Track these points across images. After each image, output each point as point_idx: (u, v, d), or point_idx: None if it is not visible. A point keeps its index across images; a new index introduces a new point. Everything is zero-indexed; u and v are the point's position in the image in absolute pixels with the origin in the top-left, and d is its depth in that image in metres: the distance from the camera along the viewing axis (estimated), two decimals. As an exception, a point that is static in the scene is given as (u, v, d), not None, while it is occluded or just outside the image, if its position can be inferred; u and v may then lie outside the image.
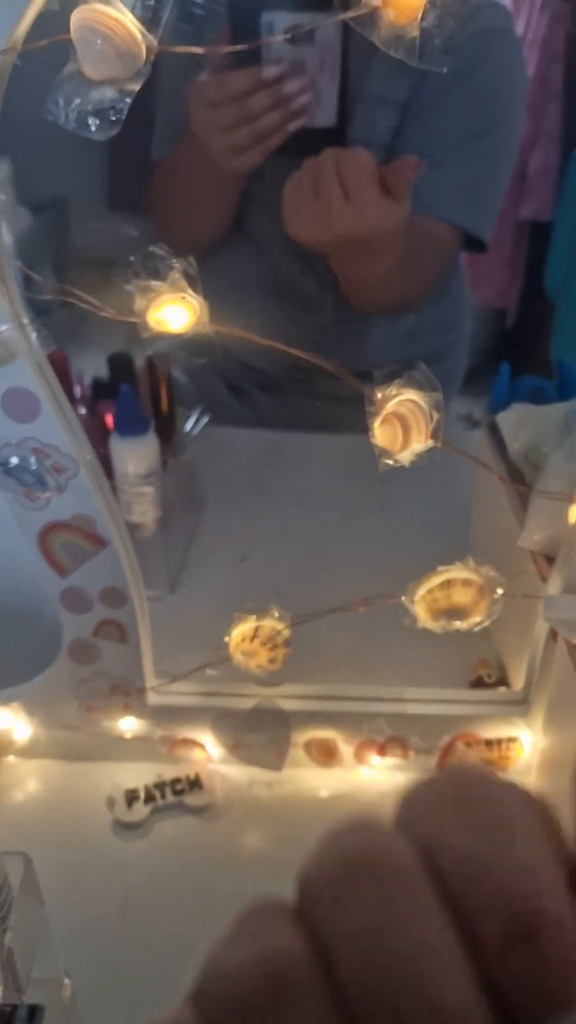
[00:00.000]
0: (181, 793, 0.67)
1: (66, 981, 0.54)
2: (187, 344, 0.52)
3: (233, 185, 0.99)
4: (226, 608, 0.81)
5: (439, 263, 1.04)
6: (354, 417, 1.04)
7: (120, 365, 0.85)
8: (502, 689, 0.72)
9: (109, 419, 0.81)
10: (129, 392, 0.76)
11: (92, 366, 0.88)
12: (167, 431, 0.84)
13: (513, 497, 0.73)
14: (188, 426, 0.85)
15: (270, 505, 0.96)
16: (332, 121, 0.88)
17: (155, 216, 1.08)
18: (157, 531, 0.81)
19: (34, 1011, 0.45)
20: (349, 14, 0.43)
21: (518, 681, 0.69)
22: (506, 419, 0.76)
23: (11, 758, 0.70)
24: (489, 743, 0.67)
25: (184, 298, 0.51)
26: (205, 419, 0.85)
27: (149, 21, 0.44)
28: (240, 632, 0.63)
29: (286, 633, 0.63)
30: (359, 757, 0.68)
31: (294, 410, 1.11)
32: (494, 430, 0.80)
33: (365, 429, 1.04)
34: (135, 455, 0.77)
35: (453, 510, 0.91)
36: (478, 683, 0.75)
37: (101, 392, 0.85)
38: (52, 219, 1.46)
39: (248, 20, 0.81)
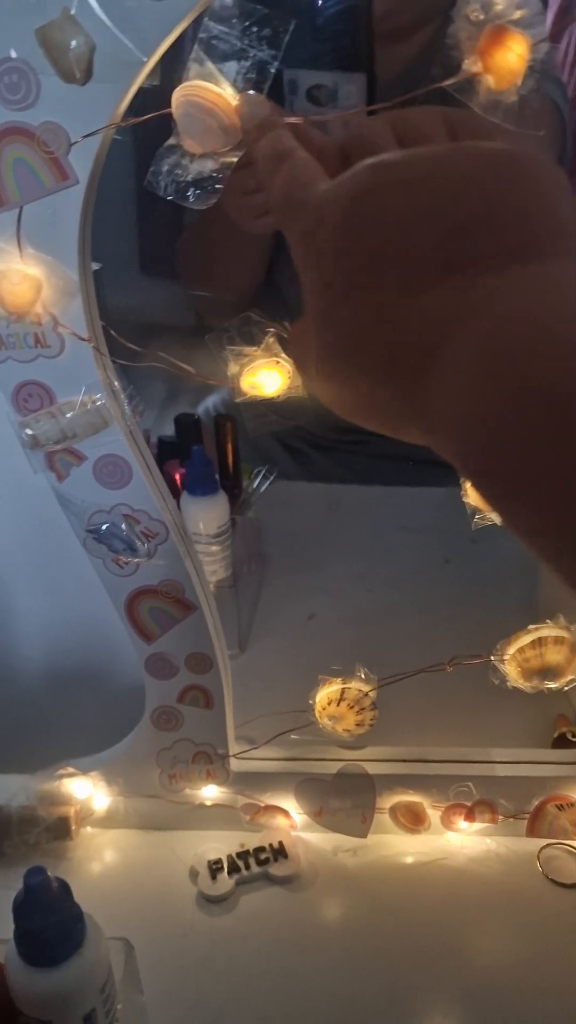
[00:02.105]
0: (265, 863, 0.65)
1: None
2: (278, 407, 0.52)
3: (258, 247, 0.99)
4: (297, 667, 0.80)
5: None
6: (408, 473, 1.04)
7: (186, 425, 0.85)
8: (592, 749, 0.70)
9: (176, 479, 0.81)
10: (201, 453, 0.76)
11: (156, 427, 0.89)
12: (234, 489, 0.84)
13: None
14: (255, 484, 0.85)
15: (332, 560, 0.95)
16: None
17: (183, 278, 1.09)
18: (227, 590, 0.80)
19: None
20: (449, 81, 0.44)
21: (606, 739, 0.67)
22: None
23: (89, 828, 0.69)
24: (583, 806, 0.65)
25: (278, 362, 0.51)
26: (272, 476, 0.84)
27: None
28: (326, 695, 0.62)
29: (373, 695, 0.61)
30: (446, 822, 0.66)
31: (348, 468, 1.10)
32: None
33: (420, 482, 1.04)
34: (206, 514, 0.77)
35: (519, 564, 0.89)
36: (562, 741, 0.73)
37: (167, 452, 0.86)
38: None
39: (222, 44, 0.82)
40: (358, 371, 0.32)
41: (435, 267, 0.30)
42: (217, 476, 0.79)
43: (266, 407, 0.53)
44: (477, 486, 0.28)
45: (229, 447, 0.84)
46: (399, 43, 0.93)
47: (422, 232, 0.30)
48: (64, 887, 0.41)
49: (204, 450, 0.77)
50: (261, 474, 0.86)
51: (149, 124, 0.46)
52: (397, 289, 0.30)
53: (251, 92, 0.44)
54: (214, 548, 0.79)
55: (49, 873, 0.40)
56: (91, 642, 0.86)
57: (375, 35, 0.88)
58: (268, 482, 0.85)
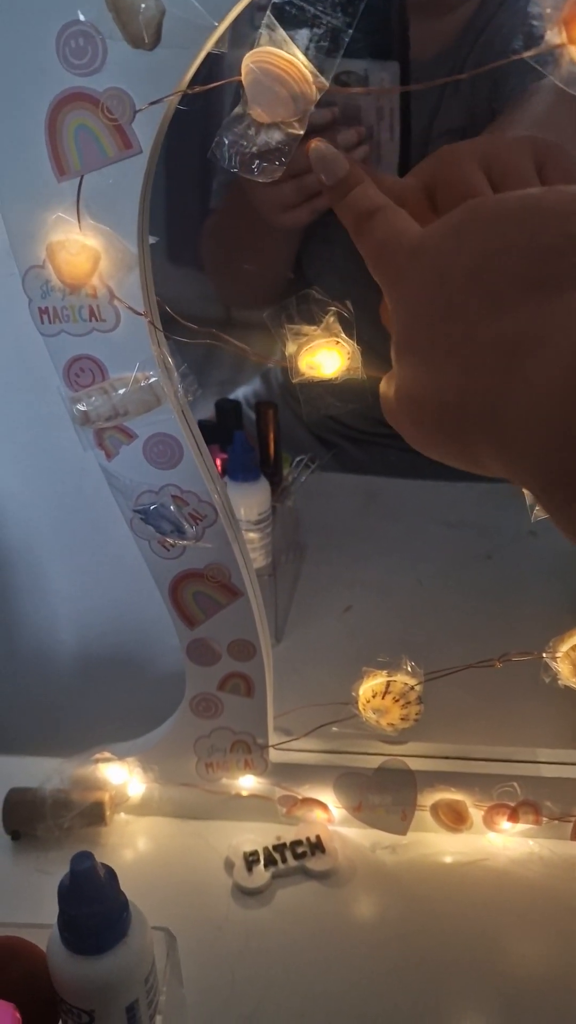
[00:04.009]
0: (302, 857, 0.64)
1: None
2: (336, 390, 0.51)
3: (286, 240, 0.97)
4: (333, 660, 0.79)
5: None
6: (445, 468, 1.02)
7: (227, 410, 0.84)
8: None
9: (217, 464, 0.80)
10: (244, 438, 0.74)
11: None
12: (274, 477, 0.83)
13: None
14: (296, 471, 0.83)
15: (370, 553, 0.94)
16: (393, 173, 0.85)
17: (207, 267, 1.06)
18: (266, 579, 0.79)
19: None
20: (530, 52, 0.42)
21: None
22: None
23: (122, 815, 0.68)
24: (630, 811, 0.63)
25: (338, 343, 0.49)
26: (314, 465, 0.83)
27: (320, 63, 0.43)
28: (370, 687, 0.60)
29: (419, 689, 0.60)
30: (488, 822, 0.65)
31: (382, 462, 1.08)
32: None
33: (459, 477, 1.02)
34: (248, 500, 0.75)
35: (562, 561, 0.88)
36: (607, 744, 0.71)
37: (205, 436, 0.84)
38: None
39: (293, 10, 0.80)
40: (437, 407, 0.34)
41: (520, 287, 0.31)
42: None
43: (323, 389, 0.51)
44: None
45: (271, 434, 0.83)
46: (436, 21, 0.90)
47: (510, 256, 0.32)
48: (111, 874, 0.40)
49: (248, 436, 0.75)
50: (302, 463, 0.85)
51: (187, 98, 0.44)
52: (483, 311, 0.32)
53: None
54: (253, 535, 0.77)
55: (96, 860, 0.39)
56: (124, 628, 0.85)
57: (410, 13, 0.85)
58: (311, 471, 0.83)
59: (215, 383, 1.15)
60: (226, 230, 1.01)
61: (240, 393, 1.15)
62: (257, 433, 0.83)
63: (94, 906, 0.39)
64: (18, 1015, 0.38)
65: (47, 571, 0.83)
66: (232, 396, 1.14)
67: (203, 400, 0.89)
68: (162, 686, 0.76)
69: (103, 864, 0.40)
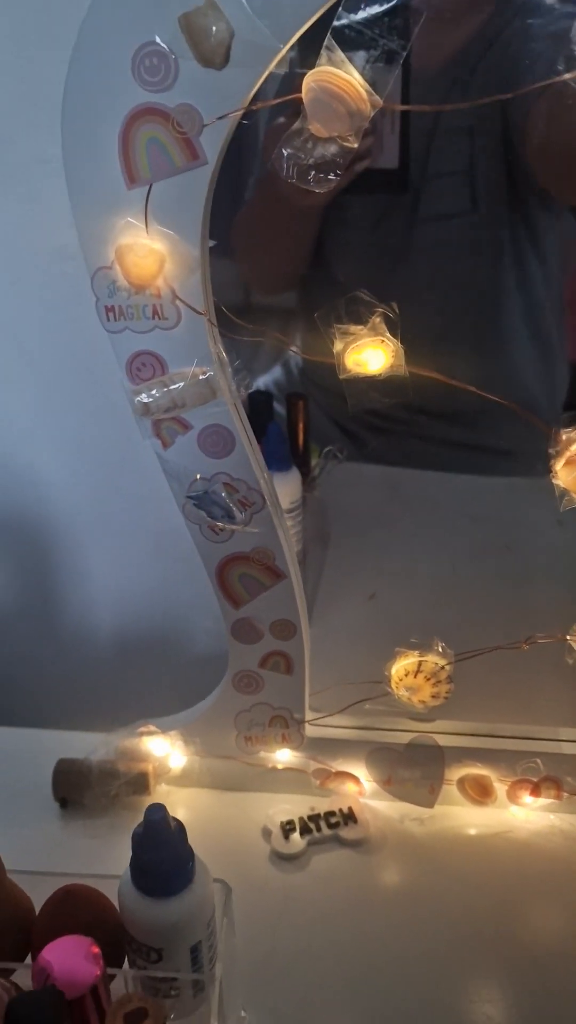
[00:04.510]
0: (336, 826, 0.67)
1: (243, 1014, 0.55)
2: (380, 386, 0.54)
3: (310, 224, 1.02)
4: (359, 644, 0.82)
5: None
6: (465, 461, 1.06)
7: (260, 402, 0.87)
8: None
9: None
10: (278, 429, 0.78)
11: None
12: (303, 467, 0.86)
13: None
14: (324, 462, 0.87)
15: (393, 542, 0.97)
16: (395, 163, 0.91)
17: (237, 252, 1.11)
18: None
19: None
20: (571, 75, 0.45)
21: None
22: None
23: (164, 786, 0.72)
24: None
25: (383, 342, 0.53)
26: (342, 456, 0.87)
27: (375, 82, 0.46)
28: (403, 666, 0.64)
29: (449, 669, 0.64)
30: (512, 796, 0.68)
31: (402, 452, 1.12)
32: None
33: (475, 471, 1.06)
34: (281, 490, 0.78)
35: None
36: (624, 725, 0.74)
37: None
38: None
39: (351, 33, 0.84)
40: None
41: None
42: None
43: (367, 384, 0.55)
44: None
45: (300, 424, 0.87)
46: (441, 34, 0.94)
47: None
48: (180, 826, 0.44)
49: (281, 427, 0.79)
50: (330, 453, 0.89)
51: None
52: None
53: None
54: (287, 523, 0.81)
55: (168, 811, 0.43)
56: (159, 611, 0.89)
57: (415, 24, 0.89)
58: (339, 461, 0.87)
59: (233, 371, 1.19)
60: (255, 218, 1.05)
61: (261, 381, 1.19)
62: (287, 423, 0.87)
63: (166, 852, 0.42)
64: (96, 949, 0.42)
65: (87, 555, 0.87)
66: (257, 383, 1.18)
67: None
68: (196, 668, 0.80)
69: (174, 817, 0.43)
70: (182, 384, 0.54)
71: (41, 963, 0.42)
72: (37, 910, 0.48)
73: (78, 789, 0.68)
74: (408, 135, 0.90)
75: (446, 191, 0.99)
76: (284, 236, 1.05)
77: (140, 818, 0.70)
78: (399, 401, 0.55)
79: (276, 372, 1.17)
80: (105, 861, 0.49)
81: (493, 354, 1.09)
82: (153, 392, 0.54)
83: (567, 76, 0.46)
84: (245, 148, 1.03)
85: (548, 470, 0.56)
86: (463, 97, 0.94)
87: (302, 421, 0.86)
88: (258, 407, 0.88)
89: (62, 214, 0.68)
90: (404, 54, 0.45)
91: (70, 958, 0.42)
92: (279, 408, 0.98)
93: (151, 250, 0.50)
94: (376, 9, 0.45)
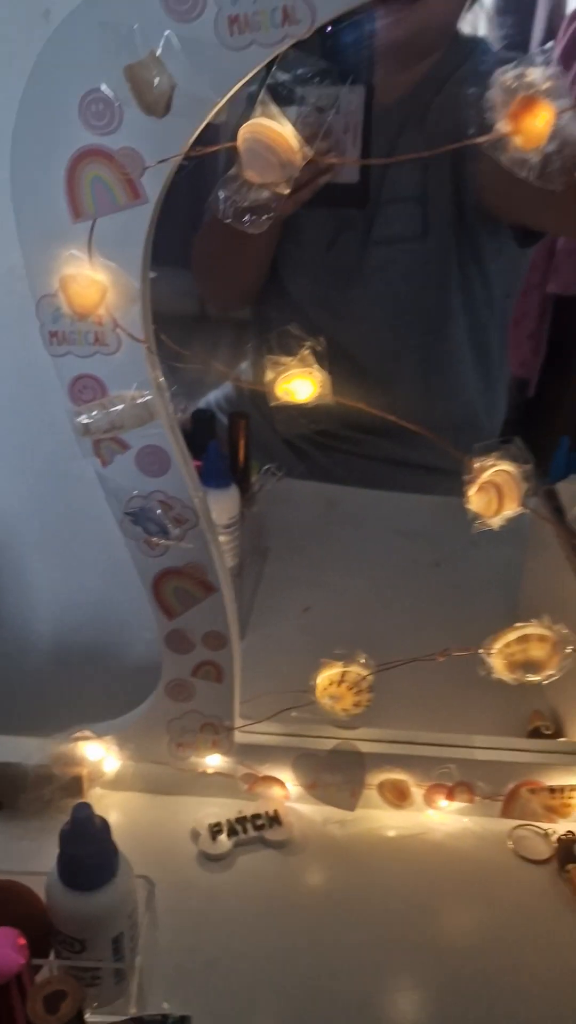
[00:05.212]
0: (261, 828, 0.71)
1: (165, 1005, 0.58)
2: (308, 413, 0.58)
3: (261, 243, 1.06)
4: (291, 655, 0.86)
5: None
6: (403, 479, 1.10)
7: (202, 420, 0.90)
8: (563, 740, 0.76)
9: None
10: (217, 447, 0.81)
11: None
12: (243, 484, 0.90)
13: (573, 559, 0.78)
14: (263, 479, 0.90)
15: (328, 557, 1.01)
16: (355, 178, 0.95)
17: (195, 271, 1.15)
18: (232, 579, 0.85)
19: (182, 1021, 0.48)
20: (482, 139, 0.50)
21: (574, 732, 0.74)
22: (567, 488, 0.82)
23: (98, 789, 0.74)
24: (552, 790, 0.71)
25: (311, 373, 0.57)
26: (280, 474, 0.90)
27: (307, 135, 0.50)
28: (327, 676, 0.68)
29: (370, 679, 0.67)
30: (428, 800, 0.72)
31: (346, 468, 1.16)
32: (551, 496, 0.85)
33: (414, 489, 1.10)
34: (219, 506, 0.82)
35: (503, 570, 0.96)
36: (535, 733, 0.79)
37: (182, 445, 0.91)
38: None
39: (283, 90, 0.89)
40: None
41: None
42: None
43: (296, 411, 0.58)
44: None
45: (242, 443, 0.90)
46: (403, 71, 0.99)
47: None
48: (105, 824, 0.46)
49: (220, 445, 0.82)
50: (269, 471, 0.92)
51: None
52: None
53: None
54: (223, 538, 0.84)
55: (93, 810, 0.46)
56: (98, 622, 0.91)
57: (377, 60, 0.94)
58: (277, 479, 0.90)
59: (185, 384, 1.22)
60: (214, 238, 1.09)
61: (212, 396, 1.22)
62: (228, 441, 0.91)
63: (91, 847, 0.45)
64: (22, 940, 0.45)
65: (27, 566, 0.89)
66: (204, 399, 1.22)
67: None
68: (132, 676, 0.83)
69: (98, 815, 0.46)
70: (121, 407, 0.57)
71: (-31, 953, 0.45)
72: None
73: (13, 792, 0.70)
74: (369, 152, 0.94)
75: (399, 216, 1.04)
76: (240, 256, 1.09)
77: (73, 820, 0.73)
78: (324, 427, 0.58)
79: (227, 388, 1.21)
80: (36, 861, 0.51)
81: (438, 371, 1.15)
82: (93, 413, 0.57)
83: (480, 140, 0.50)
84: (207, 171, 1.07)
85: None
86: (420, 124, 0.99)
87: (243, 439, 0.89)
88: (201, 425, 0.91)
89: (10, 236, 0.71)
90: (331, 112, 0.49)
91: (-3, 949, 0.45)
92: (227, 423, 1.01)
93: (93, 281, 0.53)
94: (307, 69, 0.49)
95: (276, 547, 1.02)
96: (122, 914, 0.47)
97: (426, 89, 1.00)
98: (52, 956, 0.49)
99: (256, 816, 0.71)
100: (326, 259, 1.09)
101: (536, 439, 0.97)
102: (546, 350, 2.12)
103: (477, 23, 0.99)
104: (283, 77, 0.49)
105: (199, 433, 0.91)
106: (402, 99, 0.99)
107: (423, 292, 1.10)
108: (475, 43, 1.01)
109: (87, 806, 0.45)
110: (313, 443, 1.17)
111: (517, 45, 1.11)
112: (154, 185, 0.51)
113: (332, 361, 0.57)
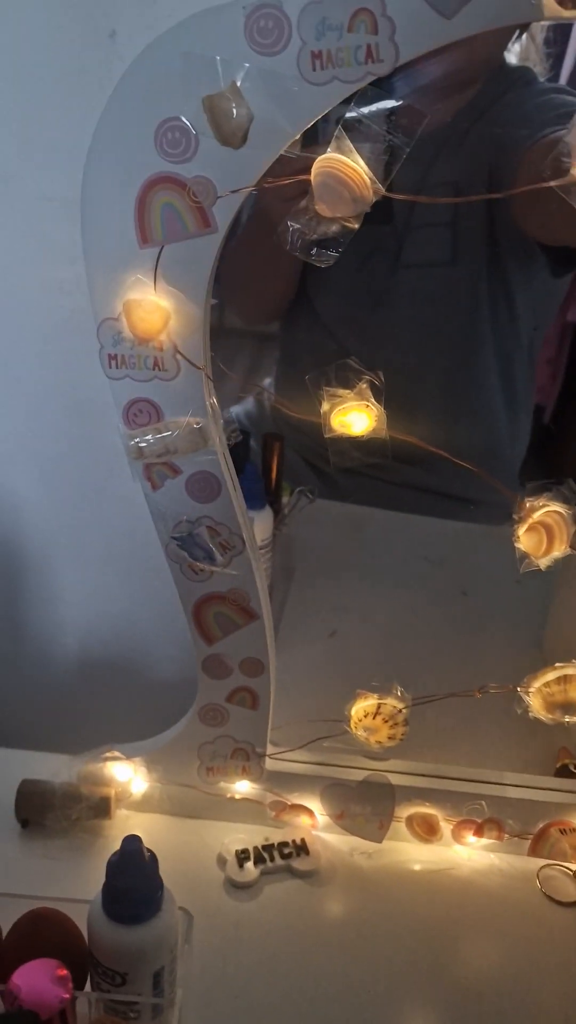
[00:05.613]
0: (289, 857, 0.70)
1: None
2: (362, 446, 0.58)
3: (292, 260, 1.06)
4: (318, 680, 0.86)
5: None
6: (424, 503, 1.09)
7: (237, 443, 0.90)
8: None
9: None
10: (255, 470, 0.81)
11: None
12: (275, 506, 0.90)
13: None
14: (295, 501, 0.90)
15: (355, 581, 1.01)
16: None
17: (224, 286, 1.15)
18: (263, 601, 0.85)
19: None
20: (556, 182, 0.50)
21: (607, 774, 0.73)
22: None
23: (123, 810, 0.74)
24: (582, 832, 0.71)
25: (367, 406, 0.56)
26: (312, 497, 0.90)
27: (379, 171, 0.50)
28: (362, 708, 0.67)
29: (406, 712, 0.67)
30: (456, 835, 0.72)
31: (370, 492, 1.16)
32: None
33: (434, 514, 1.10)
34: (254, 528, 0.82)
35: (530, 603, 0.96)
36: (563, 771, 0.79)
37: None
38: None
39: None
40: None
41: None
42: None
43: (349, 444, 0.58)
44: None
45: (275, 465, 0.90)
46: (443, 100, 0.99)
47: None
48: (153, 857, 0.46)
49: (257, 467, 0.82)
50: (302, 492, 0.92)
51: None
52: None
53: None
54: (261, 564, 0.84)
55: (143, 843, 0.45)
56: (126, 638, 0.91)
57: (420, 90, 0.94)
58: (309, 502, 0.90)
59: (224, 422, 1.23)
60: (244, 255, 1.09)
61: (232, 412, 1.22)
62: (262, 462, 0.90)
63: (138, 881, 0.45)
64: (63, 972, 0.44)
65: (59, 581, 0.88)
66: (225, 414, 1.21)
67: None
68: (158, 693, 0.82)
69: (147, 848, 0.46)
70: (176, 432, 0.57)
71: (10, 986, 0.44)
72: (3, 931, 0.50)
73: (40, 810, 0.70)
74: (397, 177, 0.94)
75: (429, 241, 1.04)
76: (270, 272, 1.09)
77: (99, 841, 0.72)
78: (377, 461, 0.58)
79: (248, 403, 1.21)
80: (62, 882, 0.51)
81: (463, 398, 1.14)
82: (148, 437, 0.57)
83: (555, 183, 0.50)
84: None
85: (508, 519, 0.60)
86: (457, 150, 0.99)
87: (276, 460, 0.89)
88: (237, 446, 0.90)
89: (63, 251, 0.71)
90: (407, 150, 0.49)
91: (39, 981, 0.44)
92: (253, 443, 1.01)
93: (158, 306, 0.53)
94: (383, 106, 0.49)
95: (301, 568, 1.01)
96: (165, 948, 0.47)
97: (465, 117, 1.00)
98: (88, 987, 0.49)
99: (283, 844, 0.71)
100: (355, 280, 1.09)
101: (551, 467, 0.97)
102: (564, 377, 2.13)
103: (527, 53, 0.99)
104: (361, 113, 0.49)
105: (235, 454, 0.90)
106: (440, 126, 0.99)
107: (451, 318, 1.10)
108: (519, 73, 1.01)
109: (137, 839, 0.45)
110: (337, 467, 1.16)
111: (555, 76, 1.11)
112: (224, 214, 0.51)
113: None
